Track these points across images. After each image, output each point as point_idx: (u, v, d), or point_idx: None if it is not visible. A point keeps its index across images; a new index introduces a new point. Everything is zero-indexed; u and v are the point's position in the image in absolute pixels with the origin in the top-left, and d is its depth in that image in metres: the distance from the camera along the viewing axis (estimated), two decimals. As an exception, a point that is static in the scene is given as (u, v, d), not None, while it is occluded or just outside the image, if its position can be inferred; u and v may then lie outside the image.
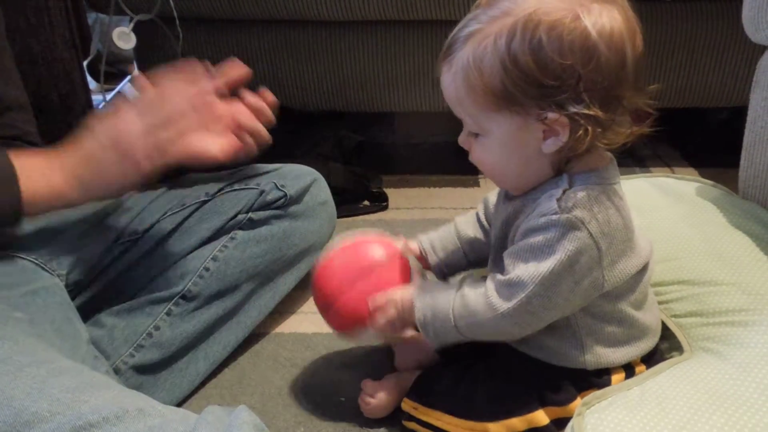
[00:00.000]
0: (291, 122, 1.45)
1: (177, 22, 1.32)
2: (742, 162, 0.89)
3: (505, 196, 0.68)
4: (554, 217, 0.58)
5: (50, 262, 0.76)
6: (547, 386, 0.66)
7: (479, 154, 0.63)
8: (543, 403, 0.66)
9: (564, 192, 0.59)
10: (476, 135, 0.62)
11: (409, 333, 0.68)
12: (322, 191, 0.97)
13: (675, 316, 0.72)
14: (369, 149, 1.42)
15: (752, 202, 0.85)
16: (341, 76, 1.42)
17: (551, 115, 0.57)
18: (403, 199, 1.30)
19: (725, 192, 0.90)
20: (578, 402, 0.64)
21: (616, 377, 0.66)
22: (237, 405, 0.58)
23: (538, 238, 0.59)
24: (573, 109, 0.56)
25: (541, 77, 0.55)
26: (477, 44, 0.57)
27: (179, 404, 0.79)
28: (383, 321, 0.67)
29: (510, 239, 0.64)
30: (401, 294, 0.67)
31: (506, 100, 0.57)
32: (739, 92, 1.35)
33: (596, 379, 0.66)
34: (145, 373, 0.77)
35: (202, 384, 0.82)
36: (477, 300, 0.62)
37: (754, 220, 0.81)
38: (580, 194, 0.59)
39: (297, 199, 0.91)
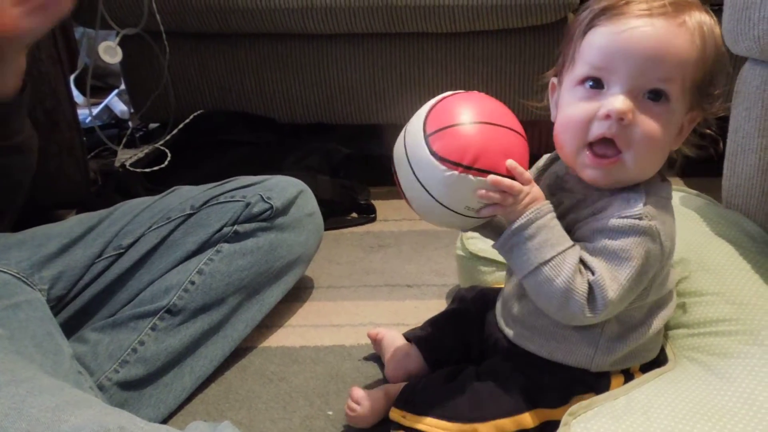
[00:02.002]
0: (278, 135, 1.46)
1: (164, 36, 1.32)
2: (724, 171, 0.90)
3: (551, 188, 0.67)
4: (638, 222, 0.58)
5: (32, 276, 0.75)
6: (538, 389, 0.66)
7: (653, 126, 0.58)
8: (532, 405, 0.66)
9: (645, 199, 0.60)
10: (656, 100, 0.58)
11: (490, 213, 0.61)
12: (308, 203, 0.97)
13: (662, 326, 0.73)
14: (357, 161, 1.42)
15: (735, 211, 0.86)
16: (329, 89, 1.42)
17: (697, 112, 0.60)
18: (391, 211, 1.31)
19: (709, 201, 0.90)
20: (572, 404, 0.64)
21: (616, 381, 0.66)
22: (223, 420, 0.57)
23: (618, 242, 0.58)
24: (708, 113, 0.61)
25: (717, 76, 0.59)
26: (703, 15, 0.58)
27: (165, 420, 0.78)
28: (504, 186, 0.59)
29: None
30: (538, 190, 0.62)
31: (699, 82, 0.58)
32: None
33: (595, 382, 0.66)
34: (129, 389, 0.76)
35: (188, 399, 0.81)
36: (574, 280, 0.58)
37: (737, 229, 0.81)
38: (658, 205, 0.60)
39: (283, 210, 0.91)
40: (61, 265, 0.78)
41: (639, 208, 0.58)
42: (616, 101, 0.57)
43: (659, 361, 0.69)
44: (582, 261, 0.60)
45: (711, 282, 0.73)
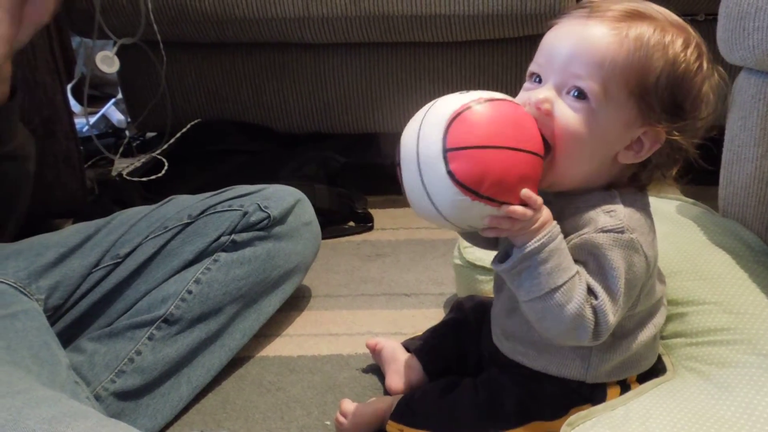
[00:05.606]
0: (276, 144, 1.46)
1: (161, 45, 1.33)
2: (721, 180, 0.90)
3: None
4: (620, 236, 0.58)
5: (29, 286, 0.75)
6: (536, 401, 0.66)
7: (570, 119, 0.58)
8: (529, 418, 0.65)
9: (624, 211, 0.59)
10: (578, 97, 0.58)
11: (494, 235, 0.59)
12: (306, 212, 0.97)
13: (661, 337, 0.72)
14: (354, 170, 1.42)
15: (732, 220, 0.86)
16: (325, 98, 1.43)
17: (659, 129, 0.58)
18: (388, 220, 1.30)
19: (705, 210, 0.91)
20: (569, 416, 0.63)
21: (612, 392, 0.66)
22: (220, 431, 0.57)
23: (605, 260, 0.58)
24: (677, 137, 0.59)
25: (683, 96, 0.58)
26: (657, 31, 0.57)
27: (161, 431, 0.78)
28: (517, 215, 0.56)
29: None
30: (548, 212, 0.58)
31: (643, 93, 0.58)
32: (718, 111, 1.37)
33: (592, 393, 0.66)
34: (126, 399, 0.75)
35: (185, 409, 0.81)
36: (585, 307, 0.57)
37: (734, 238, 0.81)
38: (636, 216, 0.60)
39: (281, 219, 0.91)
40: (58, 275, 0.78)
41: (619, 221, 0.58)
42: (539, 92, 0.59)
43: (657, 370, 0.69)
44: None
45: (709, 291, 0.73)
